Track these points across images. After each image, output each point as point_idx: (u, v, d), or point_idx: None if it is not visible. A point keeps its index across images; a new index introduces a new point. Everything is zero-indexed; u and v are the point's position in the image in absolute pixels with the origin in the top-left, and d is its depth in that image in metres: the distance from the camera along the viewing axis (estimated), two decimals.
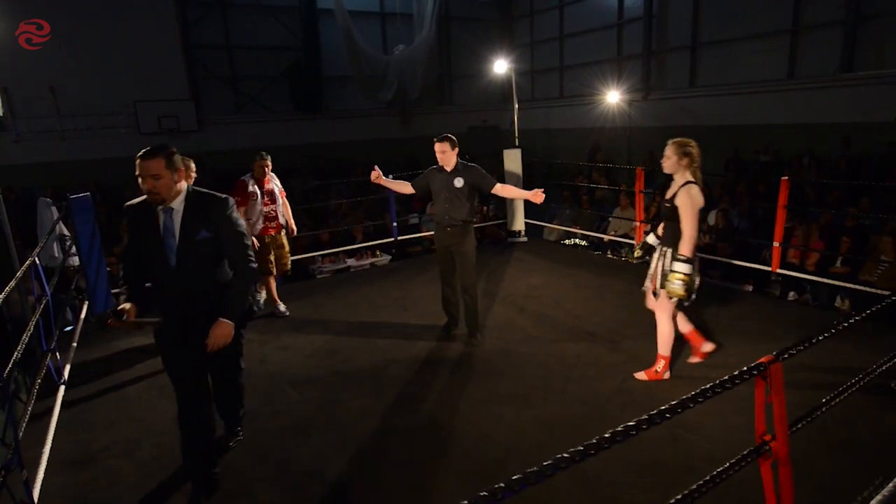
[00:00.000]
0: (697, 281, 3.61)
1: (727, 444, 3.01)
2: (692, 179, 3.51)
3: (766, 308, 5.22)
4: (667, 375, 3.85)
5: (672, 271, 3.50)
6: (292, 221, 5.37)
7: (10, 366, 2.83)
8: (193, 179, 4.56)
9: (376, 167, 4.49)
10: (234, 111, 15.18)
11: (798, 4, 11.17)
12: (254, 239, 4.97)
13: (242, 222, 2.74)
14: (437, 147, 4.32)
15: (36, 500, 2.75)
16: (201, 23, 14.46)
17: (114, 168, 13.03)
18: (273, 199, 5.11)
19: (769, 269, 5.63)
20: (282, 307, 5.33)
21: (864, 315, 2.04)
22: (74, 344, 4.27)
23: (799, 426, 1.89)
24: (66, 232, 5.88)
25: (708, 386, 1.53)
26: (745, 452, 1.73)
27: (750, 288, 6.24)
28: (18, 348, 3.01)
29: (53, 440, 3.34)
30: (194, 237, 2.59)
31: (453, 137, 4.38)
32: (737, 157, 11.96)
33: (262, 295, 5.44)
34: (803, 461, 2.82)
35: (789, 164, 10.74)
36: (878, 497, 2.09)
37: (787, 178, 5.27)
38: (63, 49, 12.19)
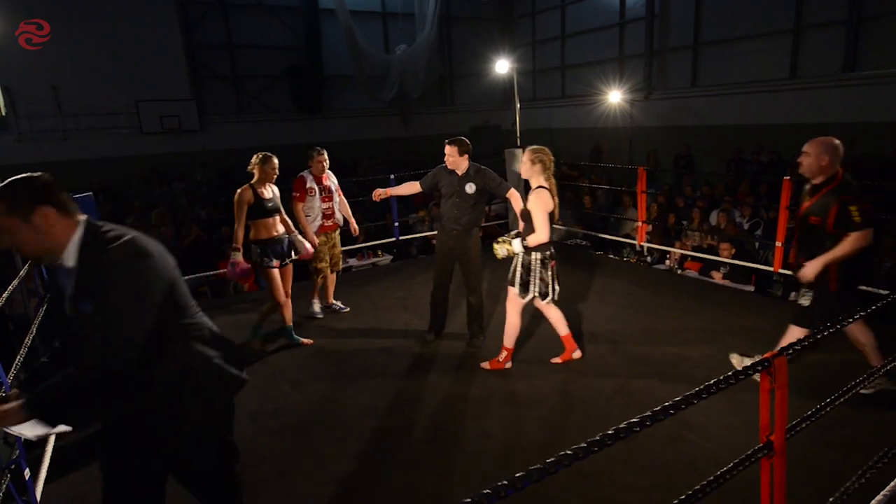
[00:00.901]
0: (549, 280, 3.90)
1: (729, 444, 3.01)
2: (544, 185, 3.75)
3: (768, 309, 5.21)
4: (508, 365, 4.07)
5: (509, 241, 3.82)
6: (353, 220, 5.25)
7: (13, 366, 2.84)
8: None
9: (376, 189, 4.47)
10: (235, 111, 15.18)
11: (800, 4, 11.13)
12: (313, 237, 4.90)
13: (137, 291, 1.67)
14: (446, 150, 4.23)
15: (38, 499, 2.77)
16: (203, 22, 14.46)
17: (116, 168, 13.09)
18: (330, 196, 5.05)
19: (771, 269, 5.62)
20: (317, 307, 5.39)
21: (866, 312, 2.04)
22: None
23: (803, 426, 1.88)
24: None
25: (712, 382, 1.52)
26: (749, 452, 1.73)
27: (751, 288, 6.23)
28: (21, 349, 3.02)
29: (56, 440, 3.35)
30: (76, 310, 1.67)
31: (465, 141, 4.24)
32: (739, 156, 11.93)
33: (317, 304, 5.34)
34: (804, 461, 2.82)
35: (791, 163, 10.71)
36: (879, 497, 2.10)
37: (788, 178, 5.26)
38: (64, 48, 12.18)
